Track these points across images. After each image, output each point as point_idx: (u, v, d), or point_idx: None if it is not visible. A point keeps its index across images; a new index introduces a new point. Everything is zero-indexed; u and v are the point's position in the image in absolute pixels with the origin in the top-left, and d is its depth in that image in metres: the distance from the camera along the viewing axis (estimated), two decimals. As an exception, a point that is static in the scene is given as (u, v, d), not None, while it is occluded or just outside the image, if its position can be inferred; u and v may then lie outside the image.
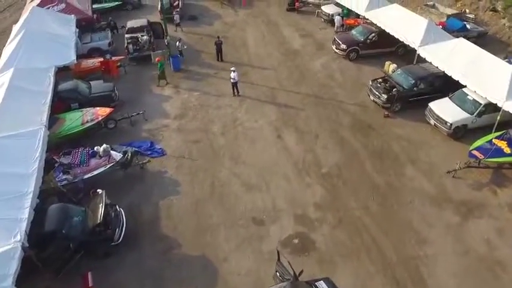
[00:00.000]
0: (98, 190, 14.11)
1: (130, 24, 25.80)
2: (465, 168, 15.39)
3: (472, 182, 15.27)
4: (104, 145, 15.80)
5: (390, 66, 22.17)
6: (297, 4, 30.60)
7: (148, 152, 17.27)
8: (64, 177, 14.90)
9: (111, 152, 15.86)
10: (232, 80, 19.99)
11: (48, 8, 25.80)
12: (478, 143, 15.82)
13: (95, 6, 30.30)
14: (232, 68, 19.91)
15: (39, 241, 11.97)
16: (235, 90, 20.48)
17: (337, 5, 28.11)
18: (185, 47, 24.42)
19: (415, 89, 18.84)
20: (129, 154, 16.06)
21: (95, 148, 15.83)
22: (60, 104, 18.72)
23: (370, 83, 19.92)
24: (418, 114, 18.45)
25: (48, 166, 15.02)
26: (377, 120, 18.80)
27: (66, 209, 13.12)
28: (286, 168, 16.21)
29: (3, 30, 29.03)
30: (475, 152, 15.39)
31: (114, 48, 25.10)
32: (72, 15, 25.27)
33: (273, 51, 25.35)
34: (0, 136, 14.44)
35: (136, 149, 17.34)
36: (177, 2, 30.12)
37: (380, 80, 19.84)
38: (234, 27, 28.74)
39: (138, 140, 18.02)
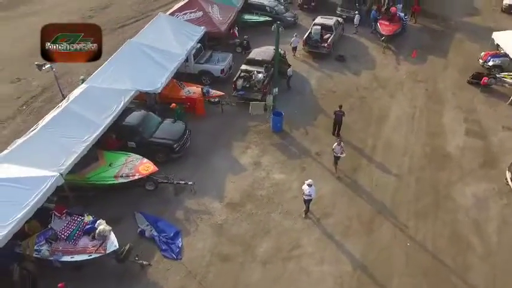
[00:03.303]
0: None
1: (254, 53, 21.65)
2: None
3: None
4: (104, 226, 12.23)
5: None
6: (484, 79, 21.48)
7: (163, 247, 13.14)
8: (43, 248, 11.98)
9: (110, 236, 12.21)
10: (305, 197, 13.83)
11: (186, 14, 23.64)
12: None
13: (246, 17, 27.14)
14: (309, 181, 13.68)
15: None
16: (306, 208, 14.27)
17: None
18: (344, 154, 15.79)
19: None
20: (126, 248, 12.25)
21: (96, 223, 12.43)
22: (118, 138, 16.00)
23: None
24: None
25: (44, 220, 12.52)
26: None
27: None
28: None
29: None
30: None
31: (230, 76, 21.38)
32: (202, 27, 22.48)
33: (415, 144, 17.80)
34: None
35: (156, 235, 13.44)
36: (328, 35, 24.55)
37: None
38: (382, 88, 21.76)
39: (167, 219, 13.99)
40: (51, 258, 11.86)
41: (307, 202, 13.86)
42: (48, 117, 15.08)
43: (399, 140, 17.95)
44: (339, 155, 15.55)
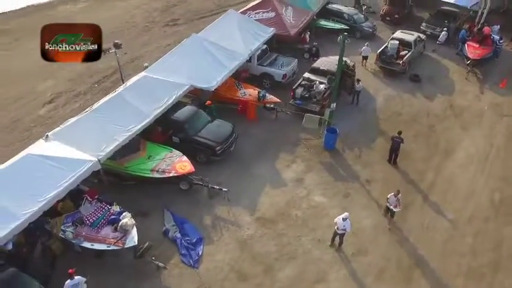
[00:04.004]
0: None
1: (320, 62, 20.52)
2: None
3: None
4: (127, 220, 12.11)
5: None
6: None
7: (183, 251, 12.75)
8: (68, 229, 12.17)
9: (132, 231, 12.08)
10: (339, 231, 12.50)
11: (258, 13, 23.18)
12: None
13: (322, 22, 25.90)
14: (344, 215, 12.28)
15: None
16: (339, 241, 12.96)
17: None
18: (398, 208, 13.50)
19: None
20: (144, 247, 12.12)
21: (122, 215, 12.39)
22: (164, 131, 15.95)
23: None
24: None
25: (77, 202, 12.80)
26: None
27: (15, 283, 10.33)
28: None
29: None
30: None
31: (291, 82, 20.44)
32: (272, 28, 21.83)
33: (482, 188, 15.56)
34: (43, 155, 12.69)
35: (179, 237, 13.13)
36: (405, 52, 22.57)
37: None
38: (455, 117, 19.44)
39: (194, 222, 13.61)
40: (73, 242, 12.01)
41: (341, 236, 12.58)
42: (101, 101, 15.44)
43: (464, 181, 15.82)
44: (391, 207, 13.40)
